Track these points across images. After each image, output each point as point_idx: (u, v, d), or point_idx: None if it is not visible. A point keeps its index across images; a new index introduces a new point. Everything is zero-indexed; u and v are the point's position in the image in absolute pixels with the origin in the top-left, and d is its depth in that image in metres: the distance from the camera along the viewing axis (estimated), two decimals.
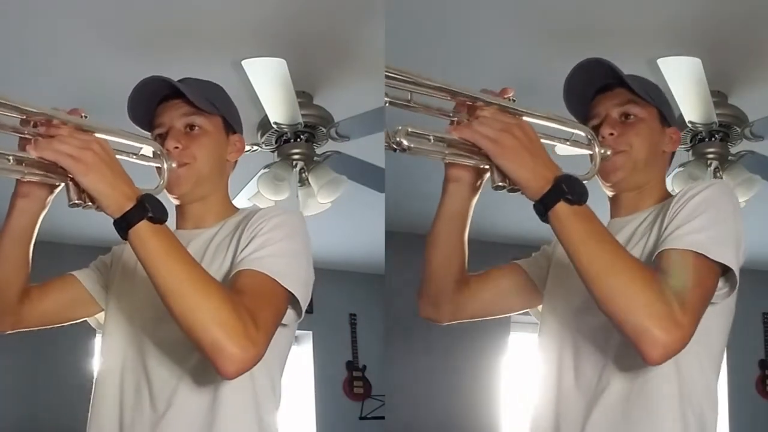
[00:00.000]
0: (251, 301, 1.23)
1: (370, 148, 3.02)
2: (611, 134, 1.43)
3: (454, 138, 1.22)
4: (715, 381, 1.36)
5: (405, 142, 1.18)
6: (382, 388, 5.50)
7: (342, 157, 3.20)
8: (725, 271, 1.27)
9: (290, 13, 2.58)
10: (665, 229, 1.29)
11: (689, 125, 3.01)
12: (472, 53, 2.85)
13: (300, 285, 1.34)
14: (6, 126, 1.19)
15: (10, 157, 1.18)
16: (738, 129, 3.06)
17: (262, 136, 3.09)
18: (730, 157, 3.14)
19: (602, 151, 1.39)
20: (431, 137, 1.22)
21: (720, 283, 1.28)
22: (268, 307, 1.27)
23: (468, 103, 1.24)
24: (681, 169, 3.13)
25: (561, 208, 1.16)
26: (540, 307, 1.58)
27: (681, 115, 2.96)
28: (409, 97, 1.22)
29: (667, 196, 1.45)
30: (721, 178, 3.13)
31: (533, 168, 1.18)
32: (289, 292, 1.31)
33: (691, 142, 3.13)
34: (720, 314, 1.34)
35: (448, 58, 2.86)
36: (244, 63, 2.63)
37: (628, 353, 1.25)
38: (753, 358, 5.52)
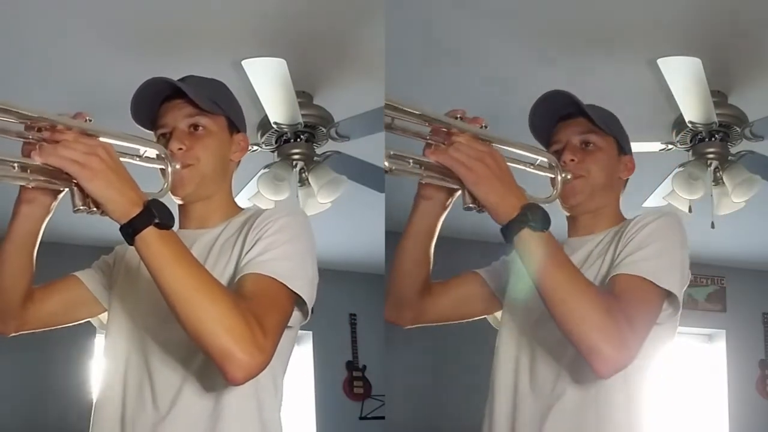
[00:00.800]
0: (258, 306, 1.23)
1: (370, 148, 3.02)
2: (572, 160, 1.53)
3: (431, 161, 1.31)
4: (654, 390, 1.46)
5: (387, 164, 1.28)
6: (382, 388, 5.50)
7: (342, 157, 3.20)
8: (669, 293, 1.38)
9: (290, 13, 2.58)
10: (619, 254, 1.41)
11: (689, 125, 3.01)
12: (472, 53, 2.85)
13: (306, 287, 1.34)
14: (10, 132, 1.18)
15: (15, 165, 1.16)
16: (738, 129, 3.06)
17: (262, 136, 3.10)
18: (730, 157, 3.14)
19: (564, 175, 1.50)
20: (411, 160, 1.32)
21: (665, 305, 1.39)
22: (275, 312, 1.27)
23: (443, 129, 1.33)
24: (681, 169, 3.14)
25: (525, 234, 1.26)
26: (498, 315, 1.67)
27: (681, 115, 2.96)
28: (391, 122, 1.31)
29: (620, 220, 1.57)
30: (721, 178, 3.13)
31: (502, 195, 1.28)
32: (296, 294, 1.32)
33: (691, 142, 3.13)
34: (664, 332, 1.44)
35: (447, 57, 2.86)
36: (244, 63, 2.63)
37: (582, 364, 1.33)
38: (753, 358, 5.52)
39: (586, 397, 1.41)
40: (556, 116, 1.58)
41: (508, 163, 1.33)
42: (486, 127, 1.35)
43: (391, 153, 1.28)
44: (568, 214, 1.60)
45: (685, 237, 1.44)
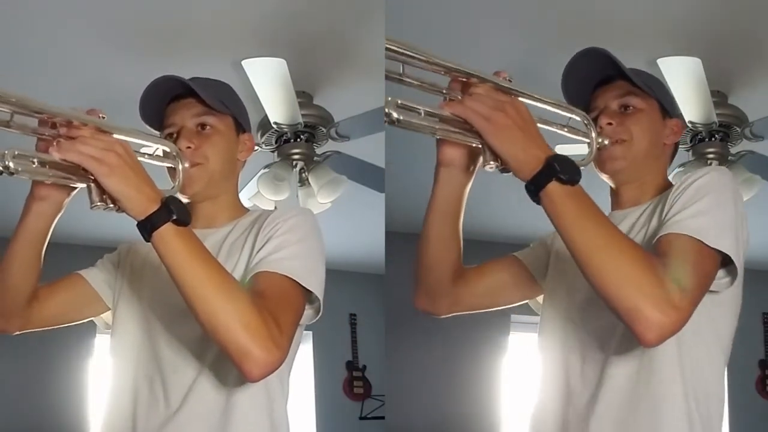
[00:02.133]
0: (274, 304, 1.23)
1: (370, 148, 3.02)
2: (609, 124, 1.41)
3: (447, 114, 1.19)
4: (723, 372, 1.34)
5: (395, 114, 1.14)
6: (382, 388, 5.50)
7: (342, 157, 3.20)
8: (726, 261, 1.24)
9: (290, 13, 2.58)
10: (665, 215, 1.26)
11: (689, 125, 3.01)
12: (471, 53, 2.85)
13: (319, 285, 1.35)
14: (25, 128, 1.18)
15: (34, 160, 1.16)
16: (738, 129, 3.06)
17: (262, 136, 3.10)
18: (730, 157, 3.14)
19: (599, 139, 1.37)
20: (422, 111, 1.18)
21: (721, 273, 1.25)
22: (290, 310, 1.28)
23: (462, 79, 1.22)
24: (681, 169, 3.13)
25: (553, 187, 1.13)
26: (539, 299, 1.57)
27: (681, 115, 2.96)
28: (402, 70, 1.18)
29: (668, 188, 1.39)
30: None
31: (525, 147, 1.15)
32: (308, 291, 1.33)
33: (691, 142, 3.13)
34: (724, 304, 1.32)
35: (447, 57, 2.86)
36: (244, 63, 2.63)
37: (631, 343, 1.23)
38: (753, 358, 5.53)
39: (639, 378, 1.28)
40: (592, 83, 1.47)
41: (537, 125, 1.19)
42: (510, 80, 1.23)
43: (399, 102, 1.15)
44: (612, 185, 1.46)
45: (739, 193, 1.28)
